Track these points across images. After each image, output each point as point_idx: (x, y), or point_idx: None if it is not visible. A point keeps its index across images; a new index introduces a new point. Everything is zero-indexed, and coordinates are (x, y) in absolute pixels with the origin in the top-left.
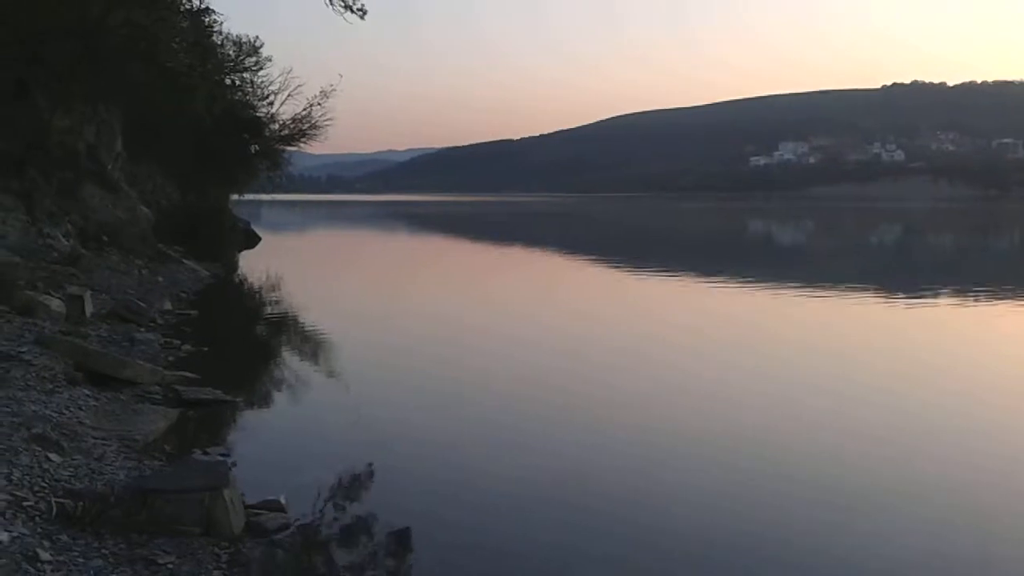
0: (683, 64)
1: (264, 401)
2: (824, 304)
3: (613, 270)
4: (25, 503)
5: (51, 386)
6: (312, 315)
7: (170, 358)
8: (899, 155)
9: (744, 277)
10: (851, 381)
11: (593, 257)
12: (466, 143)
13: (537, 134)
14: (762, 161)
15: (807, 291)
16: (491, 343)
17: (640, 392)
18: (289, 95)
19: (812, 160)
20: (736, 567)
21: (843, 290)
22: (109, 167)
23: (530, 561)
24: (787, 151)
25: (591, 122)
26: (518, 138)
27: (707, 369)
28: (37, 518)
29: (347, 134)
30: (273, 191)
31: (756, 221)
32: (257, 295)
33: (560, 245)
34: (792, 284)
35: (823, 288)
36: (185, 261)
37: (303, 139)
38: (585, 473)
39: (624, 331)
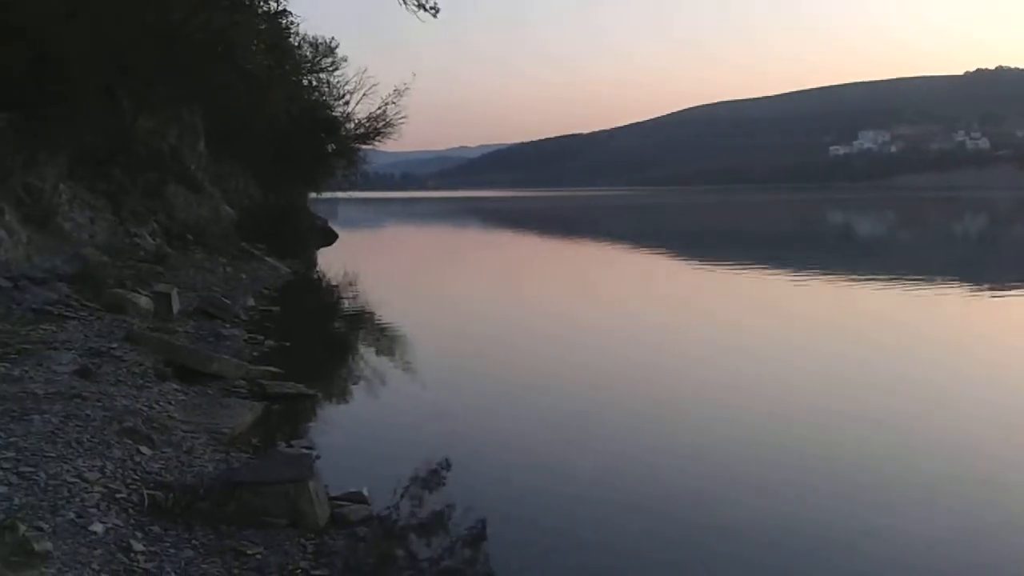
0: (754, 56)
1: (344, 395)
2: (913, 298)
3: (690, 263)
4: (118, 495)
5: (141, 381)
6: (388, 310)
7: (254, 353)
8: (984, 143)
9: (828, 270)
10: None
11: (668, 251)
12: (536, 138)
13: (608, 128)
14: (841, 151)
15: (894, 284)
16: (569, 337)
17: (722, 387)
18: (364, 94)
19: (893, 149)
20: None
21: (932, 283)
22: (192, 167)
23: (605, 556)
24: (867, 140)
25: (663, 115)
26: (588, 132)
27: (789, 365)
28: (130, 510)
29: (420, 132)
30: (349, 189)
31: (838, 212)
32: (335, 291)
33: (632, 239)
34: (878, 276)
35: (909, 281)
36: (266, 258)
37: (378, 137)
38: (664, 470)
39: (703, 325)
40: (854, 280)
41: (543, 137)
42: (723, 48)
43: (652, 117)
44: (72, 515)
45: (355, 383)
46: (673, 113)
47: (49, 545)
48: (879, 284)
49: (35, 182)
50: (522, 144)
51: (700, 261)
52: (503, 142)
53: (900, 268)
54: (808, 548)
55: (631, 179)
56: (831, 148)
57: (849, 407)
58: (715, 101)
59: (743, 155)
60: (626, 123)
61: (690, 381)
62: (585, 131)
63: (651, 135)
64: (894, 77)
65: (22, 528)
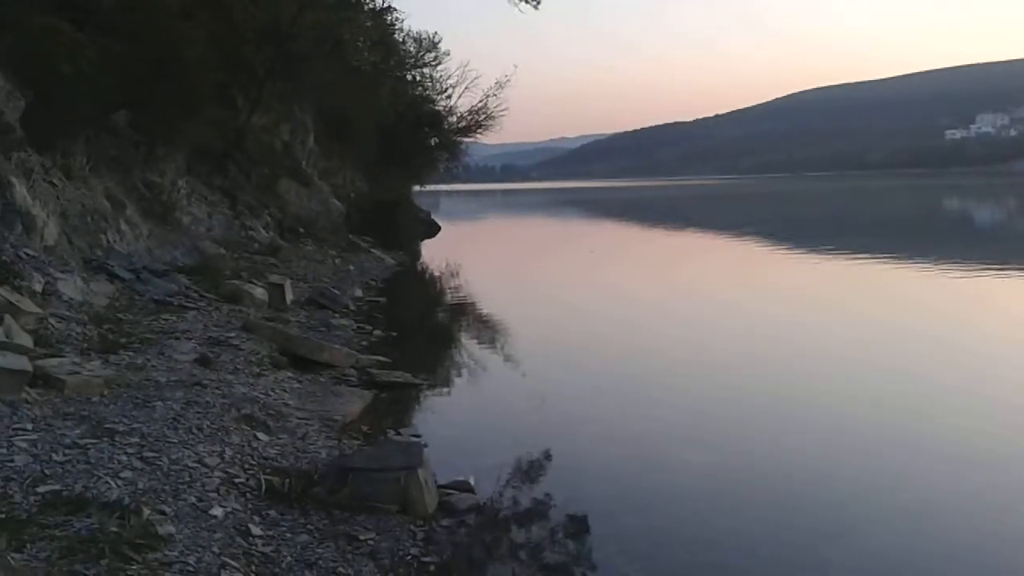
0: (864, 38)
1: (448, 384)
2: None
3: (804, 254)
4: (237, 480)
5: (258, 369)
6: (490, 301)
7: (363, 343)
8: None
9: (952, 260)
10: None
11: (777, 241)
12: (638, 127)
13: (712, 115)
14: (958, 135)
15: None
16: (674, 330)
17: (843, 381)
18: (466, 88)
19: (1013, 133)
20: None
21: None
22: (303, 163)
23: (711, 553)
24: (985, 123)
25: (769, 100)
26: (692, 119)
27: (917, 359)
28: (248, 494)
29: (520, 123)
30: (451, 182)
31: (956, 199)
32: (439, 282)
33: (739, 229)
34: (1009, 267)
35: None
36: (373, 250)
37: (479, 130)
38: (776, 468)
39: (820, 319)
40: (983, 270)
41: (644, 126)
42: (832, 31)
43: (758, 103)
44: (193, 499)
45: (459, 373)
46: (780, 98)
47: (172, 528)
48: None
49: (155, 178)
50: (622, 133)
51: (815, 251)
52: (603, 132)
53: None
54: (944, 554)
55: (736, 167)
56: (947, 132)
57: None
58: (824, 85)
59: (854, 141)
60: (730, 109)
61: (805, 376)
62: (688, 119)
63: (757, 121)
64: (1013, 58)
65: (146, 512)
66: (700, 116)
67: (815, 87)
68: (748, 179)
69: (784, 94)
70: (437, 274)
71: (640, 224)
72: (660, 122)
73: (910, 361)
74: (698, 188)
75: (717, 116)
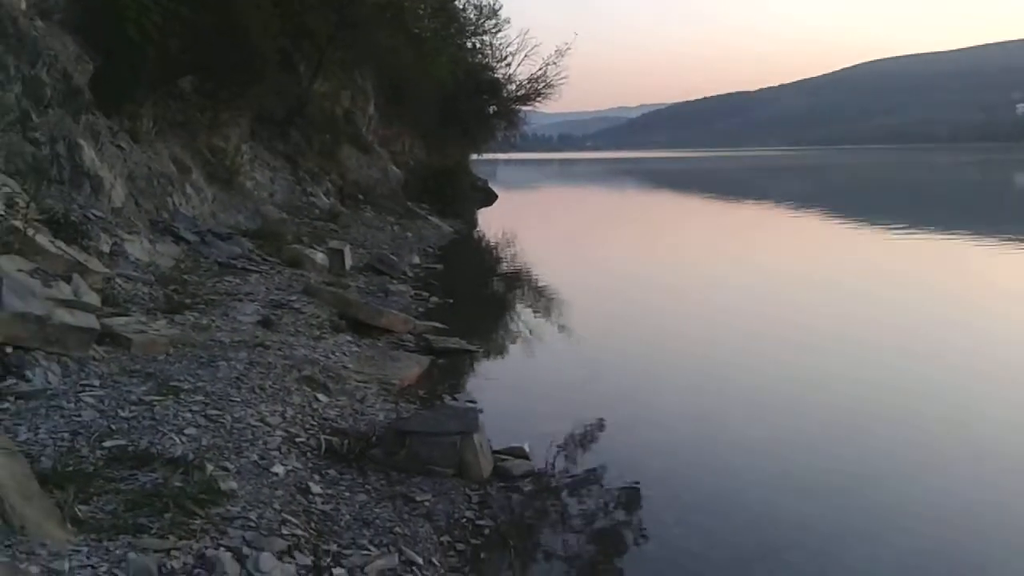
0: (936, 8)
1: (503, 351)
2: None
3: (873, 229)
4: (297, 439)
5: (318, 332)
6: (546, 270)
7: (420, 309)
8: None
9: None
10: None
11: (847, 215)
12: (699, 96)
13: (776, 84)
14: None
15: None
16: (737, 304)
17: (911, 358)
18: (526, 55)
19: None
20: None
21: None
22: (363, 129)
23: (766, 531)
24: None
25: (834, 70)
26: (755, 89)
27: (968, 339)
28: (308, 453)
29: (579, 92)
30: (508, 150)
31: None
32: (495, 250)
33: (802, 202)
34: None
35: None
36: (430, 218)
37: (538, 98)
38: (836, 446)
39: (883, 294)
40: None
41: (706, 95)
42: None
43: (824, 73)
44: (255, 457)
45: (514, 341)
46: (847, 68)
47: (234, 484)
48: None
49: (219, 143)
50: (683, 103)
51: (883, 227)
52: (663, 101)
53: None
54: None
55: (800, 138)
56: (1018, 106)
57: None
58: (893, 56)
59: (922, 113)
60: (795, 79)
61: (879, 355)
62: (751, 88)
63: (822, 92)
64: None
65: (209, 468)
66: (764, 86)
67: (883, 57)
68: (812, 151)
69: (851, 64)
70: (493, 242)
71: (701, 195)
72: (722, 91)
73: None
74: (761, 159)
75: (782, 86)
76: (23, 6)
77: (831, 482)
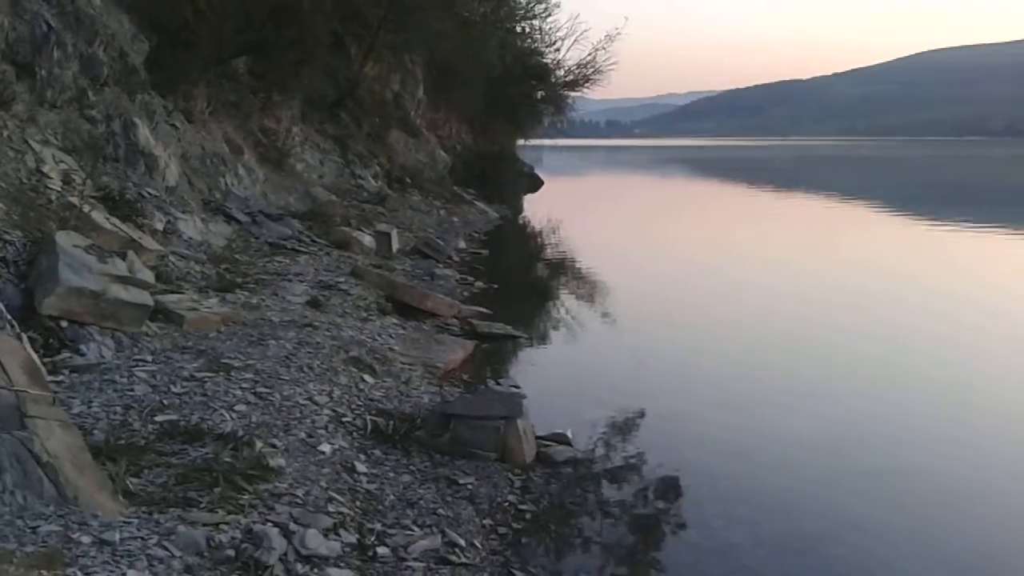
0: None
1: (546, 338)
2: None
3: (934, 223)
4: (344, 419)
5: (365, 314)
6: (590, 257)
7: (465, 293)
8: None
9: None
10: None
11: (905, 208)
12: (749, 84)
13: (829, 74)
14: None
15: None
16: (778, 299)
17: (940, 358)
18: (575, 40)
19: None
20: None
21: None
22: (412, 113)
23: (810, 526)
24: None
25: (889, 60)
26: (808, 78)
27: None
28: (354, 433)
29: (627, 78)
30: (555, 136)
31: None
32: (540, 237)
33: (855, 194)
34: None
35: None
36: (477, 203)
37: (587, 84)
38: (885, 441)
39: (933, 292)
40: None
41: (757, 83)
42: None
43: (877, 63)
44: (303, 435)
45: (558, 328)
46: (901, 59)
47: (282, 461)
48: None
49: (271, 124)
50: (734, 91)
51: (948, 221)
52: (714, 88)
53: None
54: None
55: (852, 129)
56: None
57: None
58: (948, 46)
59: (976, 105)
60: (848, 69)
61: (935, 347)
62: (804, 76)
63: (875, 82)
64: None
65: (258, 444)
66: (816, 75)
67: (938, 48)
68: (865, 141)
69: (905, 55)
70: (539, 229)
71: (750, 185)
72: (774, 79)
73: None
74: (812, 149)
75: (835, 75)
76: None
77: (882, 478)
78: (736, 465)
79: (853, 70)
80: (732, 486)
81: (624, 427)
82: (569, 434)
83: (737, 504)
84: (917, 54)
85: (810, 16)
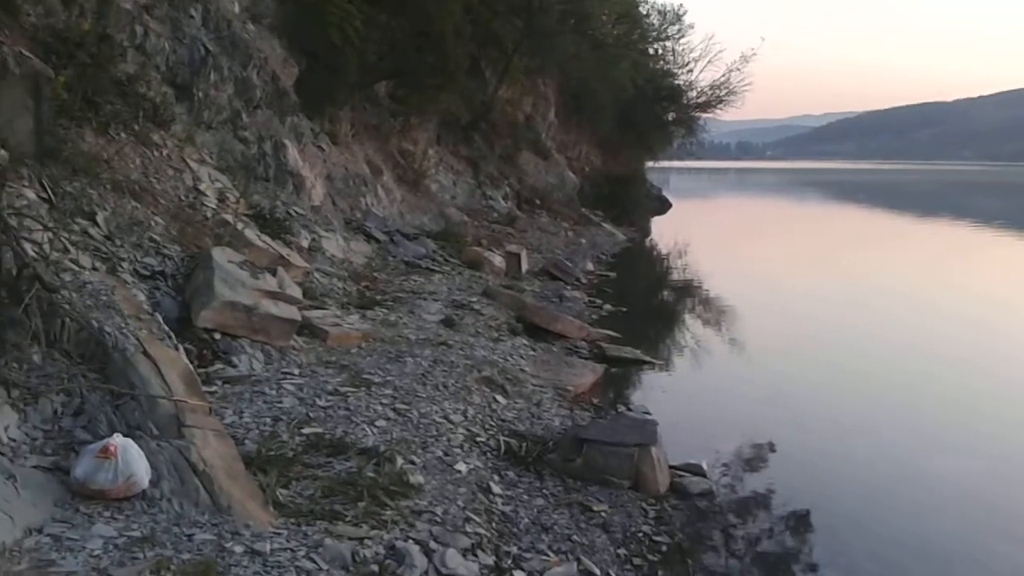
0: None
1: (677, 365)
2: None
3: None
4: (478, 439)
5: (496, 334)
6: (719, 283)
7: (593, 316)
8: None
9: None
10: None
11: None
12: (888, 106)
13: (975, 96)
14: None
15: None
16: (921, 328)
17: None
18: (709, 61)
19: None
20: None
21: None
22: (543, 135)
23: (944, 569)
24: None
25: None
26: (951, 100)
27: None
28: (488, 453)
29: (760, 100)
30: (685, 158)
31: None
32: (667, 260)
33: (999, 220)
34: None
35: None
36: (604, 225)
37: (719, 105)
38: (1007, 476)
39: None
40: None
41: (895, 105)
42: None
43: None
44: (440, 453)
45: (686, 354)
46: None
47: (421, 478)
48: None
49: (408, 146)
50: (872, 112)
51: None
52: (852, 110)
53: None
54: None
55: (997, 153)
56: None
57: None
58: None
59: None
60: (994, 91)
61: None
62: (947, 99)
63: (1022, 105)
64: None
65: (399, 460)
66: (960, 97)
67: None
68: (1012, 166)
69: None
70: (666, 251)
71: (893, 212)
72: (915, 101)
73: None
74: (956, 174)
75: (981, 97)
76: (236, 9)
77: (1010, 516)
78: (869, 503)
79: (999, 93)
80: (860, 526)
81: (755, 459)
82: (704, 465)
83: (872, 542)
84: None
85: (952, 37)
